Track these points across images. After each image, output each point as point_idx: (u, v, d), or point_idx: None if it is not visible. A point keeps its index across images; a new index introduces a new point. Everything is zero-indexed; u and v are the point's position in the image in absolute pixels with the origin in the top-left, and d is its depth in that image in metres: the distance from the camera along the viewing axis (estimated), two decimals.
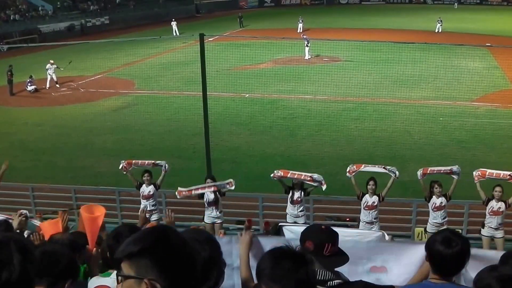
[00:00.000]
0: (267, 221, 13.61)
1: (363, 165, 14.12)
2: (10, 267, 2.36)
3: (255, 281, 4.93)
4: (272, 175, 14.03)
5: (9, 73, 35.32)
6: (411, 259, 4.67)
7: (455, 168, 13.36)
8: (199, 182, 14.76)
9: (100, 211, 5.56)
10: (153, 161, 15.05)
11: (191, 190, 13.92)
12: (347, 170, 13.85)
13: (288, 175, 13.97)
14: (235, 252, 5.38)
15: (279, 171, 14.00)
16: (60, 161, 23.31)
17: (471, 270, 4.61)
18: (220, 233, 11.17)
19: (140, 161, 15.26)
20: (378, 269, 5.65)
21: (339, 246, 4.46)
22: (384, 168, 13.86)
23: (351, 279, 4.68)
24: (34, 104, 33.66)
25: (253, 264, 5.18)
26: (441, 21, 58.78)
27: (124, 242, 2.44)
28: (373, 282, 5.07)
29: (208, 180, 14.26)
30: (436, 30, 57.88)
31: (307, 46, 42.73)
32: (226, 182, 14.01)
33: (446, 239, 4.08)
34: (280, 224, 7.62)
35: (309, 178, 13.79)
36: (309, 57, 43.05)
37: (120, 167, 14.76)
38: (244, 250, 5.21)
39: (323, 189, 13.84)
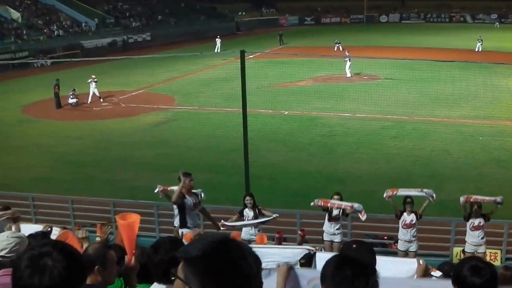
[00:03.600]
0: (303, 229, 13.61)
1: (399, 189, 13.99)
2: (52, 272, 2.49)
3: None
4: (312, 203, 13.96)
5: (56, 87, 36.03)
6: None
7: (499, 199, 13.28)
8: (237, 198, 14.86)
9: (133, 218, 5.59)
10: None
11: (235, 226, 13.93)
12: (384, 196, 13.72)
13: (328, 205, 13.88)
14: (273, 284, 5.37)
15: (319, 200, 13.91)
16: (99, 174, 23.54)
17: None
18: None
19: (175, 188, 14.98)
20: None
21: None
22: (421, 191, 13.75)
23: None
24: (76, 118, 34.15)
25: None
26: (481, 40, 58.23)
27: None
28: None
29: (247, 198, 14.20)
30: (476, 49, 57.32)
31: (348, 63, 42.59)
32: (271, 218, 13.93)
33: (475, 267, 4.05)
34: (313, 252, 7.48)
35: (349, 208, 13.72)
36: (350, 75, 42.90)
37: (155, 191, 14.74)
38: (281, 282, 5.17)
39: (363, 219, 13.63)
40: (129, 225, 5.45)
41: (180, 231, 12.77)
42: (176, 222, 13.00)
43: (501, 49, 55.30)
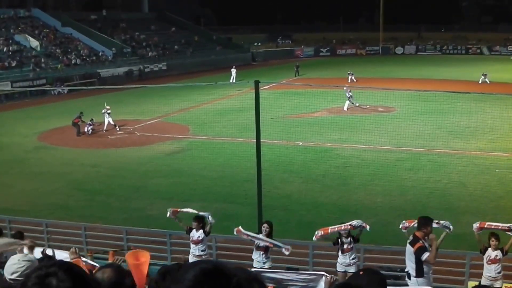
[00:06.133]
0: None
1: (415, 220, 13.84)
2: None
3: None
4: (314, 238, 13.85)
5: (78, 117, 36.58)
6: None
7: None
8: (250, 228, 14.75)
9: (145, 257, 5.59)
10: (197, 212, 14.88)
11: (249, 235, 13.96)
12: (400, 227, 13.57)
13: (329, 231, 13.74)
14: None
15: (319, 231, 13.78)
16: (113, 202, 23.58)
17: None
18: None
19: (185, 210, 15.13)
20: None
21: None
22: (437, 223, 13.57)
23: None
24: (91, 146, 34.32)
25: None
26: (485, 75, 57.05)
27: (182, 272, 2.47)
28: None
29: (265, 225, 14.16)
30: (481, 82, 56.43)
31: (349, 98, 42.37)
32: (283, 247, 13.90)
33: None
34: None
35: (349, 227, 13.68)
36: (347, 109, 42.34)
37: (168, 215, 14.87)
38: None
39: (368, 229, 13.63)
40: (137, 266, 5.45)
41: None
42: (412, 271, 12.32)
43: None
